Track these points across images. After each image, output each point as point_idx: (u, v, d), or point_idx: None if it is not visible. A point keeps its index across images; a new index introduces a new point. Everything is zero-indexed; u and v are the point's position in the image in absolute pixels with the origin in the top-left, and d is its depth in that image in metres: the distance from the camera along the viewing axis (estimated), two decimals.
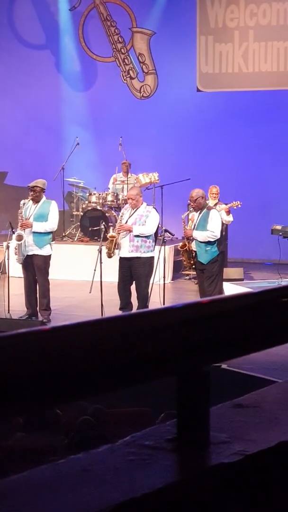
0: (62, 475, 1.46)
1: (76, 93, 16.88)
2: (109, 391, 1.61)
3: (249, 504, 1.58)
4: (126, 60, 16.63)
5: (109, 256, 9.72)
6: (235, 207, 12.47)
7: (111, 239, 9.67)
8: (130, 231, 9.49)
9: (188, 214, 10.21)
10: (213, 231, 9.48)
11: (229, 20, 15.57)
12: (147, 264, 9.58)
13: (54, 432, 5.83)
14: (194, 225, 9.65)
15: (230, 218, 12.48)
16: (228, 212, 12.38)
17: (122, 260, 9.62)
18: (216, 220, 9.62)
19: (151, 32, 16.37)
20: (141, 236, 9.50)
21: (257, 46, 15.45)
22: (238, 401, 1.87)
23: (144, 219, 9.57)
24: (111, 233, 9.98)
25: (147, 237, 9.56)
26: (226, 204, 12.47)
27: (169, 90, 16.12)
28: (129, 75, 16.63)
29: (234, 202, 12.41)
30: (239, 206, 12.45)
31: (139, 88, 16.57)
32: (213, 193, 12.42)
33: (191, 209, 10.12)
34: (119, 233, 9.61)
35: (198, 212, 9.70)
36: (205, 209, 9.65)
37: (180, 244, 10.08)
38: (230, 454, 1.56)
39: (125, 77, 16.66)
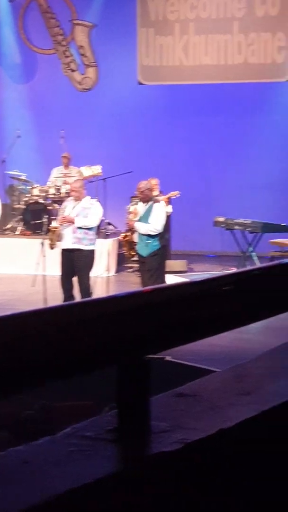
0: (2, 467, 1.44)
1: (17, 85, 16.71)
2: (49, 383, 1.59)
3: (190, 491, 1.59)
4: (66, 53, 16.53)
5: (51, 247, 9.68)
6: (173, 197, 12.46)
7: (53, 229, 9.63)
8: (72, 222, 9.46)
9: (130, 206, 10.20)
10: (154, 225, 9.50)
11: (170, 12, 15.60)
12: (89, 257, 9.56)
13: None
14: (140, 217, 9.66)
15: (169, 209, 12.41)
16: (167, 203, 12.36)
17: (64, 252, 9.57)
18: (160, 214, 9.64)
19: (91, 24, 16.30)
20: (84, 228, 9.47)
21: (198, 39, 15.51)
22: (179, 390, 1.88)
23: (87, 212, 9.55)
24: (53, 224, 9.93)
25: (89, 229, 9.53)
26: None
27: (111, 83, 16.08)
28: (70, 68, 16.53)
29: (172, 192, 12.40)
30: (178, 196, 12.44)
31: (80, 80, 16.49)
32: (152, 185, 12.40)
33: (136, 201, 10.11)
34: (61, 225, 9.58)
35: (145, 204, 9.71)
36: (151, 202, 9.67)
37: (122, 234, 10.08)
38: (170, 443, 1.56)
39: (66, 70, 16.56)
